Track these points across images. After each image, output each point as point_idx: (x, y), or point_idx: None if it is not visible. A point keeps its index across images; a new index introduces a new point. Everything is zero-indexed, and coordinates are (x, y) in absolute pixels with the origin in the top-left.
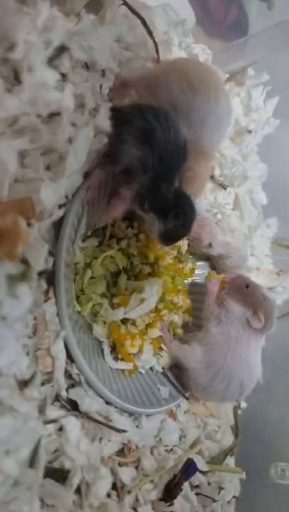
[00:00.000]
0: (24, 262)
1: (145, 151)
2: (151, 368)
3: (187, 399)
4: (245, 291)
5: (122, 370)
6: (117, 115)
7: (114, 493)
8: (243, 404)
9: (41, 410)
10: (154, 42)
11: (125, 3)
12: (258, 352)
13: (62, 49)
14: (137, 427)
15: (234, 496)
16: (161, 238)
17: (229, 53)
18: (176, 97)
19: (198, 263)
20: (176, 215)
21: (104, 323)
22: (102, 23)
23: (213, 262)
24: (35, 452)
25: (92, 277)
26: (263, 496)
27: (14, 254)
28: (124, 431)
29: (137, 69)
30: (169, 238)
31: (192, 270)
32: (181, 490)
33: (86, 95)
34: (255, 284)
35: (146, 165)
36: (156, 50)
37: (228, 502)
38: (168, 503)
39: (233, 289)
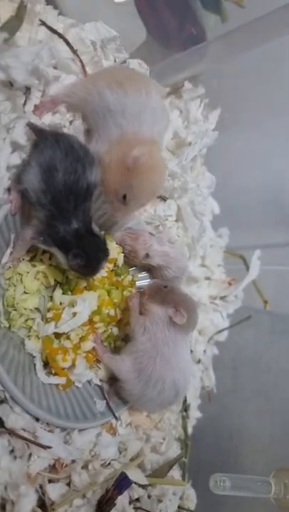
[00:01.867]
0: None
1: (41, 187)
2: (89, 382)
3: (116, 418)
4: (163, 291)
5: (56, 385)
6: (37, 135)
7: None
8: (198, 414)
9: None
10: (80, 59)
11: (43, 24)
12: (187, 351)
13: None
14: (67, 442)
15: (185, 509)
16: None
17: (169, 67)
18: (107, 99)
19: (140, 274)
20: (75, 255)
21: (38, 337)
22: (30, 42)
23: (153, 274)
24: None
25: (24, 292)
26: (223, 507)
27: None
28: (48, 447)
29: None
30: (80, 273)
31: (132, 282)
32: (115, 504)
33: (4, 112)
34: (172, 285)
35: (41, 200)
36: (83, 67)
37: None
38: None
39: (153, 293)
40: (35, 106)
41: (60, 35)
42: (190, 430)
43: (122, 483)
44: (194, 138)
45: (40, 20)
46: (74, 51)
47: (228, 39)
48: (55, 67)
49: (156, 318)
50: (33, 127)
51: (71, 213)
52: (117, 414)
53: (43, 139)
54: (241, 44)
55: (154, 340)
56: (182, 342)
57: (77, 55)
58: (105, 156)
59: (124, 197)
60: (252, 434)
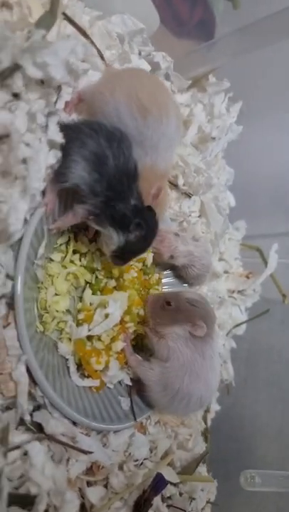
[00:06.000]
0: None
1: (94, 177)
2: (120, 382)
3: (135, 420)
4: (170, 309)
5: (90, 387)
6: (69, 130)
7: None
8: (217, 407)
9: (3, 438)
10: (100, 54)
11: (66, 18)
12: (216, 357)
13: (14, 67)
14: (105, 445)
15: (208, 501)
16: (118, 252)
17: (192, 59)
18: (126, 122)
19: (165, 272)
20: (138, 225)
21: (70, 340)
22: (58, 37)
23: (178, 272)
24: None
25: (55, 294)
26: (239, 497)
27: None
28: (89, 452)
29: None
30: (128, 251)
31: (159, 281)
32: (151, 505)
33: (39, 112)
34: (175, 296)
35: (95, 190)
36: (103, 61)
37: (202, 509)
38: None
39: (159, 314)
40: (66, 103)
41: (85, 34)
42: (209, 423)
43: (158, 484)
44: (218, 133)
45: (64, 14)
46: (100, 53)
47: (248, 32)
48: (82, 61)
49: (177, 336)
50: (62, 126)
51: (127, 193)
52: (146, 415)
53: (77, 131)
54: (260, 38)
55: (182, 359)
56: (210, 350)
57: (98, 50)
58: None
59: None
60: (264, 423)
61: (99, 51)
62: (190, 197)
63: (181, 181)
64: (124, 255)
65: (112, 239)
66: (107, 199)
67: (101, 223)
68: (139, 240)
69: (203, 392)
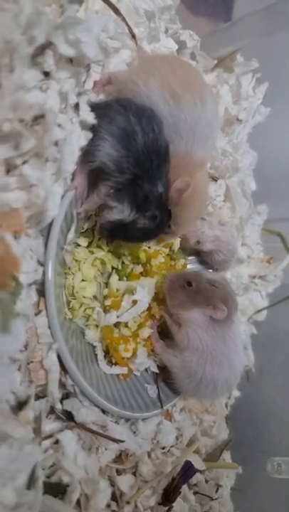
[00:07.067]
0: (13, 277)
1: (121, 153)
2: (146, 369)
3: (162, 407)
4: (190, 290)
5: (117, 375)
6: (97, 108)
7: (114, 504)
8: (237, 394)
9: (37, 428)
10: (131, 32)
11: None
12: (238, 339)
13: (46, 45)
14: (134, 433)
15: (231, 488)
16: (113, 225)
17: (217, 37)
18: (159, 108)
19: (190, 258)
20: (154, 216)
21: (97, 326)
22: (86, 13)
23: (203, 257)
24: (32, 474)
25: (82, 280)
26: (258, 481)
27: (6, 284)
28: (121, 441)
29: (124, 62)
30: (123, 231)
31: (184, 266)
32: (180, 493)
33: (70, 92)
34: (195, 275)
35: (122, 166)
36: (135, 40)
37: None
38: (167, 507)
39: (178, 294)
40: (95, 82)
41: (117, 11)
42: (229, 409)
43: (187, 471)
44: (245, 115)
45: None
46: (132, 31)
47: (274, 11)
48: (111, 38)
49: (196, 323)
50: (91, 104)
51: (155, 173)
52: (173, 402)
53: (106, 107)
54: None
55: (201, 348)
56: (231, 334)
57: (129, 27)
58: None
59: (169, 226)
60: (280, 408)
61: (130, 29)
62: (216, 181)
63: (207, 165)
64: (115, 231)
65: (123, 213)
66: (134, 177)
67: (119, 197)
68: (141, 229)
69: (229, 376)
